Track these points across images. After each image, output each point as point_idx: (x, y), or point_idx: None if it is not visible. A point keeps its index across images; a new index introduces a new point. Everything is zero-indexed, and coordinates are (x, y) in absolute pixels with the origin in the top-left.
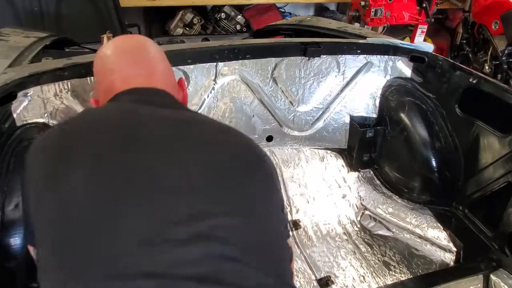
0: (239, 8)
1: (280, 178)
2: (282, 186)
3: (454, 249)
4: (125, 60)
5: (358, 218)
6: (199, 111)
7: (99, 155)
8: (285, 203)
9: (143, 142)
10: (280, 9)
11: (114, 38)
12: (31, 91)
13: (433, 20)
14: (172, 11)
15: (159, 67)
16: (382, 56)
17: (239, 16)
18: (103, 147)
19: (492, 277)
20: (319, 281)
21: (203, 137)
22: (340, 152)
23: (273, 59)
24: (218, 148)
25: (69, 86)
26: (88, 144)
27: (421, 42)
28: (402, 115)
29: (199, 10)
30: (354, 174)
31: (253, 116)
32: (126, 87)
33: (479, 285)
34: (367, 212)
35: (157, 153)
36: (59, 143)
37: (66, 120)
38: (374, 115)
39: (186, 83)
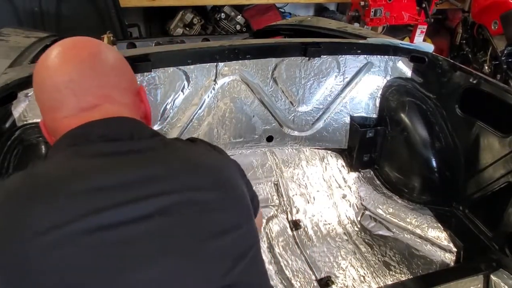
0: (239, 8)
1: (280, 179)
2: (282, 187)
3: (454, 249)
4: (66, 93)
5: (358, 218)
6: (199, 111)
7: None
8: (284, 203)
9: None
10: (280, 9)
11: (53, 51)
12: (31, 91)
13: (432, 20)
14: (172, 11)
15: (110, 90)
16: (382, 56)
17: (239, 16)
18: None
19: (492, 277)
20: (319, 281)
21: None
22: (340, 152)
23: (273, 59)
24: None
25: None
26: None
27: (421, 42)
28: (402, 115)
29: (199, 10)
30: (354, 174)
31: (253, 116)
32: (73, 124)
33: (479, 286)
34: (367, 212)
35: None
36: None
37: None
38: (374, 115)
39: (146, 94)
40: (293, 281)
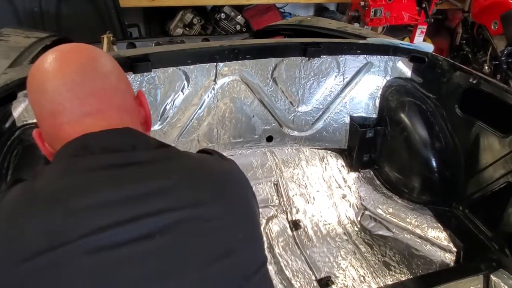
0: (239, 9)
1: (280, 179)
2: (282, 187)
3: (454, 249)
4: (68, 95)
5: (358, 218)
6: (199, 111)
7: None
8: (284, 203)
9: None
10: (280, 10)
11: (50, 55)
12: None
13: (432, 20)
14: (172, 11)
15: (113, 93)
16: (382, 56)
17: (239, 17)
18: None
19: (492, 277)
20: (319, 281)
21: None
22: (340, 152)
23: (273, 59)
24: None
25: None
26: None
27: (421, 42)
28: (402, 116)
29: (199, 11)
30: (354, 174)
31: (253, 116)
32: (75, 133)
33: (479, 286)
34: (367, 212)
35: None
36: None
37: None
38: (374, 115)
39: (145, 97)
40: (293, 281)
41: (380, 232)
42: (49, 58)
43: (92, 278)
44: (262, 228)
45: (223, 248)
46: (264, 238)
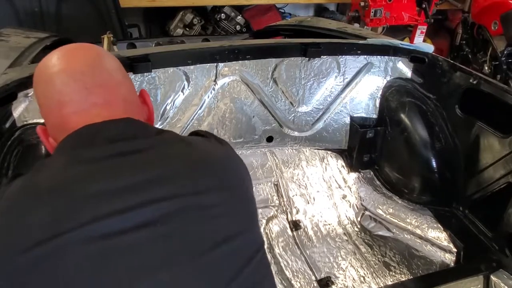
0: (239, 9)
1: (280, 179)
2: (282, 187)
3: (454, 249)
4: (77, 86)
5: (358, 219)
6: (199, 112)
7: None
8: (284, 204)
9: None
10: (280, 10)
11: (58, 51)
12: (31, 91)
13: (432, 20)
14: (172, 11)
15: (119, 87)
16: (382, 56)
17: (239, 17)
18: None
19: (492, 277)
20: (319, 281)
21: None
22: (340, 152)
23: (273, 59)
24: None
25: None
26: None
27: (421, 43)
28: (403, 116)
29: (199, 11)
30: (354, 175)
31: (253, 116)
32: (81, 123)
33: (479, 286)
34: (367, 212)
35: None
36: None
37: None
38: (374, 116)
39: (148, 95)
40: (293, 282)
41: (380, 233)
42: (57, 54)
43: (93, 266)
44: (262, 229)
45: (223, 235)
46: (264, 239)
